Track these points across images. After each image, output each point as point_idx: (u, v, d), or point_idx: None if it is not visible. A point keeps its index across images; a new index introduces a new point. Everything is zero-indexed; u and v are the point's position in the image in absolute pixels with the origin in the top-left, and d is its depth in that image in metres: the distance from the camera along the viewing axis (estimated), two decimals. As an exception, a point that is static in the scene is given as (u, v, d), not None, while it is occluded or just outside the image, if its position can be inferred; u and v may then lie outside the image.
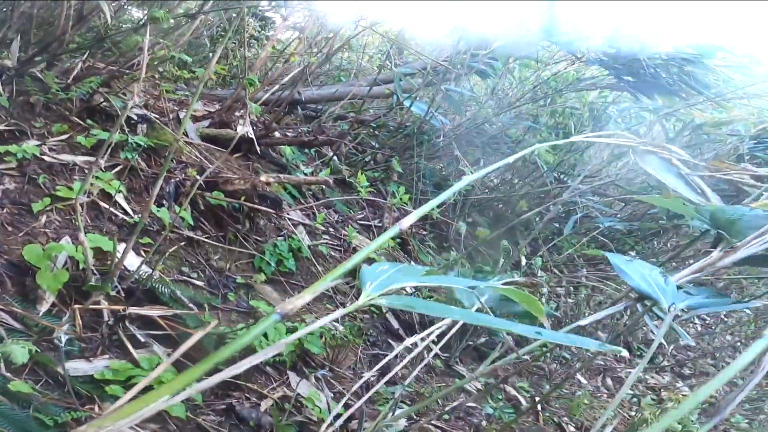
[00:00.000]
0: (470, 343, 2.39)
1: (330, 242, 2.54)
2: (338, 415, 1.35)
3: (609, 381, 2.61)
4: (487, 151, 3.05)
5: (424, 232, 2.98)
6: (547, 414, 2.02)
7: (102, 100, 2.06)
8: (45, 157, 1.73)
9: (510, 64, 3.02)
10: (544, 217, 3.34)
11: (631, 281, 1.04)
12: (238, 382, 1.37)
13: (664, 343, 3.18)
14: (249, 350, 1.39)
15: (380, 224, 2.77)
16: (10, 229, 1.52)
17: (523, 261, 2.97)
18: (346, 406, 1.46)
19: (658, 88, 3.37)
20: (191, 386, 0.55)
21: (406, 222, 0.78)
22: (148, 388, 0.54)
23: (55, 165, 1.74)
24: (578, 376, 2.53)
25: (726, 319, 3.63)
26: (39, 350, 1.11)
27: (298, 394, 1.42)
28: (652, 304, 1.13)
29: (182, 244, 1.98)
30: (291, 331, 1.78)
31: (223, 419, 1.23)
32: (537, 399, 2.12)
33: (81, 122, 1.98)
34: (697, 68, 3.19)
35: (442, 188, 2.98)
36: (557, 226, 3.53)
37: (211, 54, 1.99)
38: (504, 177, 3.30)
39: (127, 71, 2.20)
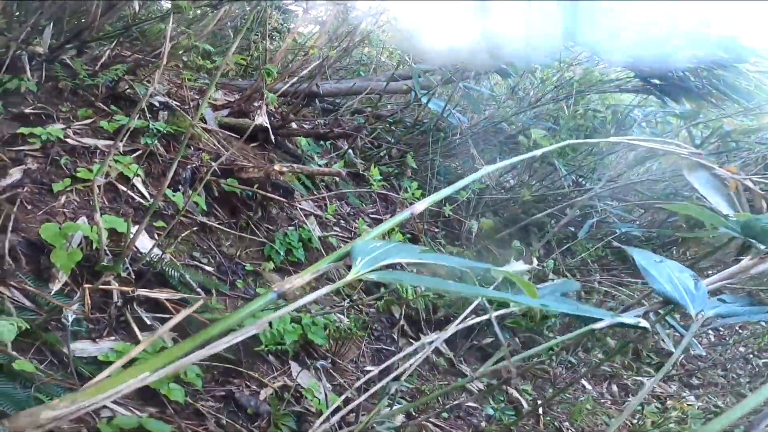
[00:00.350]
0: (475, 342, 2.39)
1: (340, 234, 2.55)
2: (337, 408, 1.37)
3: (614, 388, 2.58)
4: (504, 151, 3.02)
5: (436, 230, 2.97)
6: (548, 418, 2.01)
7: (127, 87, 2.11)
8: (68, 140, 1.77)
9: (532, 64, 2.98)
10: (559, 220, 3.30)
11: (656, 284, 0.98)
12: (240, 369, 1.39)
13: (675, 351, 3.13)
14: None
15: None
16: (29, 207, 1.57)
17: (535, 262, 2.95)
18: (347, 400, 1.48)
19: (687, 92, 3.28)
20: (173, 363, 0.55)
21: (419, 207, 0.77)
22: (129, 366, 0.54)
23: (77, 148, 1.79)
24: (583, 382, 2.51)
25: (740, 331, 3.54)
26: (47, 329, 1.15)
27: (298, 384, 1.44)
28: (667, 312, 1.09)
29: (195, 229, 2.01)
30: (296, 321, 1.81)
31: (222, 406, 1.25)
32: (539, 402, 2.11)
33: (105, 108, 2.03)
34: (729, 72, 3.10)
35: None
36: (572, 230, 3.49)
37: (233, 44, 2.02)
38: (521, 179, 3.27)
39: (153, 60, 2.24)
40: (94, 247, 1.55)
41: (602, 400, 2.40)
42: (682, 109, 3.33)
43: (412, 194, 2.77)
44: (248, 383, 1.37)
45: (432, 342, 1.31)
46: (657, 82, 3.32)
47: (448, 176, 3.04)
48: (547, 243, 3.32)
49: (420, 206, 0.77)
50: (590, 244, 3.47)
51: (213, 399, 1.24)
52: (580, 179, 3.57)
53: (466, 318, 1.28)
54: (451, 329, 1.26)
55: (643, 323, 0.79)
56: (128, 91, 2.12)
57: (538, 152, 1.03)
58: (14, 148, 1.62)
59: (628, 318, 0.84)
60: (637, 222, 3.84)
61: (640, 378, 2.72)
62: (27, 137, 1.67)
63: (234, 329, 0.60)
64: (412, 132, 2.95)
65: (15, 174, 1.56)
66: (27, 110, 1.77)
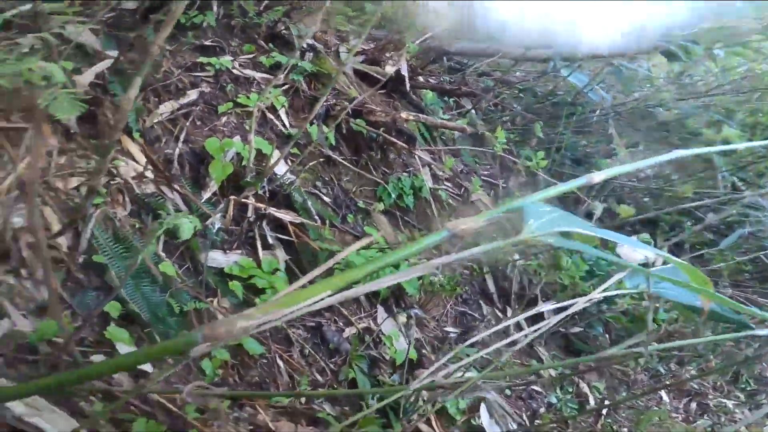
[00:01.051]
0: (561, 330, 2.37)
1: (451, 190, 2.61)
2: (410, 361, 1.49)
3: (693, 405, 2.42)
4: (651, 137, 2.72)
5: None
6: (609, 420, 2.00)
7: (283, 27, 2.31)
8: (234, 71, 2.05)
9: (714, 49, 2.52)
10: (697, 221, 2.97)
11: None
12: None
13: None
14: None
15: (506, 185, 2.74)
16: (198, 123, 1.88)
17: (659, 262, 2.74)
18: (420, 354, 1.60)
19: None
20: (350, 287, 0.59)
21: (597, 177, 0.76)
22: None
23: (240, 78, 2.06)
24: (662, 393, 2.40)
25: None
26: (194, 235, 1.39)
27: (381, 330, 1.59)
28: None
29: (321, 160, 2.22)
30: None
31: (309, 336, 1.44)
32: (606, 402, 2.09)
33: (264, 45, 2.26)
34: None
35: (581, 164, 2.78)
36: (711, 237, 3.12)
37: None
38: (661, 170, 2.94)
39: (305, 3, 2.39)
40: (242, 164, 1.82)
41: (674, 415, 2.29)
42: None
43: (537, 163, 2.68)
44: (337, 319, 1.56)
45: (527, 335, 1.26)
46: None
47: (575, 153, 2.86)
48: (676, 245, 3.03)
49: (598, 177, 0.75)
50: (731, 256, 3.11)
51: (303, 328, 1.46)
52: (741, 183, 3.11)
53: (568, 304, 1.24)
54: (555, 319, 1.24)
55: None
56: (284, 31, 2.32)
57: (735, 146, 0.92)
58: (193, 74, 1.93)
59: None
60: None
61: (726, 401, 2.51)
62: (204, 65, 1.96)
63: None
64: (543, 102, 2.77)
65: (192, 95, 1.87)
66: (206, 42, 2.06)
